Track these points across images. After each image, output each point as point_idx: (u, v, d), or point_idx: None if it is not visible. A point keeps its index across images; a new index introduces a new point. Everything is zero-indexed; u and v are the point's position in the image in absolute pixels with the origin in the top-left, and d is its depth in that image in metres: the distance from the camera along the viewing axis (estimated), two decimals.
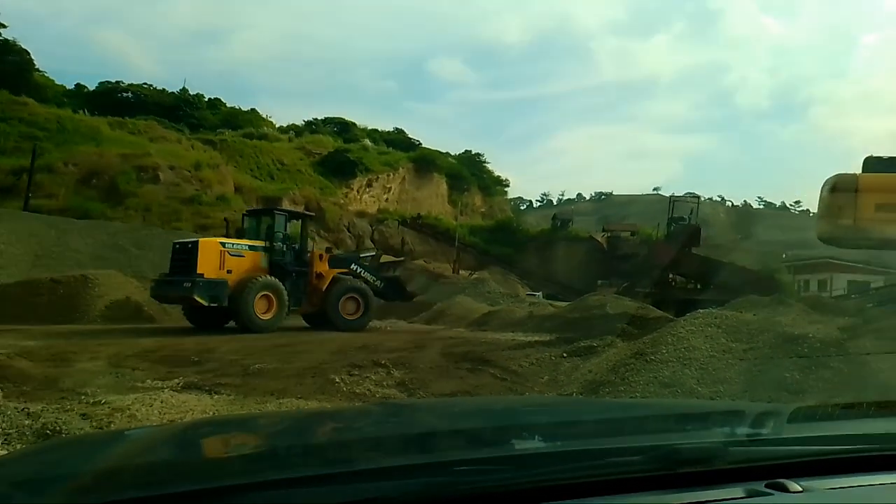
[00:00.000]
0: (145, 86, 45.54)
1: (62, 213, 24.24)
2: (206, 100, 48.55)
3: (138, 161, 29.45)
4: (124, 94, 43.76)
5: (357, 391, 7.66)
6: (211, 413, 6.18)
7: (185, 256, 14.50)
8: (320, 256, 16.23)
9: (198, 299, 13.97)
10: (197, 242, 14.73)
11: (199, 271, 14.00)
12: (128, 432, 2.49)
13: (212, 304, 14.17)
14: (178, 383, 7.54)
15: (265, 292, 14.43)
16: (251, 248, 15.11)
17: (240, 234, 15.98)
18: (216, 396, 7.04)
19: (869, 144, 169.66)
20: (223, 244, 14.82)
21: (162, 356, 9.57)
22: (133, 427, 4.97)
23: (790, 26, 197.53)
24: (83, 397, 6.45)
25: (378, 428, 1.81)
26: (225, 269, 14.33)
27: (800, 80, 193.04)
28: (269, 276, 14.72)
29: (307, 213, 18.93)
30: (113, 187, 27.63)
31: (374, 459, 1.31)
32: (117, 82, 45.09)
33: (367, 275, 16.97)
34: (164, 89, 46.24)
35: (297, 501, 1.04)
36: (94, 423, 5.46)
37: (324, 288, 15.69)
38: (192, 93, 47.31)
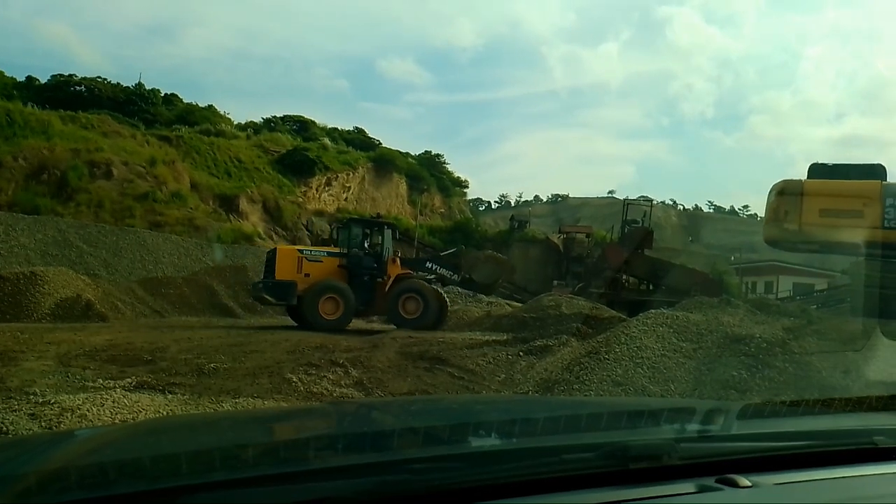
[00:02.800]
0: (99, 80, 44.20)
1: (10, 209, 23.39)
2: (162, 95, 47.35)
3: (90, 156, 28.53)
4: (77, 88, 42.33)
5: (314, 390, 7.59)
6: (164, 413, 6.06)
7: (269, 261, 16.42)
8: (394, 260, 16.47)
9: (267, 298, 15.93)
10: (276, 250, 16.79)
11: (276, 275, 15.68)
12: (77, 432, 2.43)
13: (280, 303, 16.24)
14: (130, 383, 7.35)
15: (329, 294, 15.39)
16: (329, 254, 16.40)
17: (332, 243, 17.45)
18: (169, 396, 6.90)
19: (807, 151, 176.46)
20: (300, 251, 16.71)
21: (113, 355, 9.32)
22: (83, 427, 4.84)
23: (733, 37, 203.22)
24: (31, 397, 6.26)
25: (333, 427, 1.80)
26: (303, 273, 15.65)
27: (742, 90, 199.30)
28: (336, 280, 15.66)
29: (388, 222, 19.03)
30: (63, 183, 26.75)
31: (328, 458, 1.30)
32: (70, 75, 43.69)
33: (443, 271, 17.18)
34: (118, 84, 44.89)
35: (249, 501, 1.03)
36: (42, 424, 5.31)
37: (387, 288, 16.05)
38: (147, 88, 46.22)
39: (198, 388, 7.39)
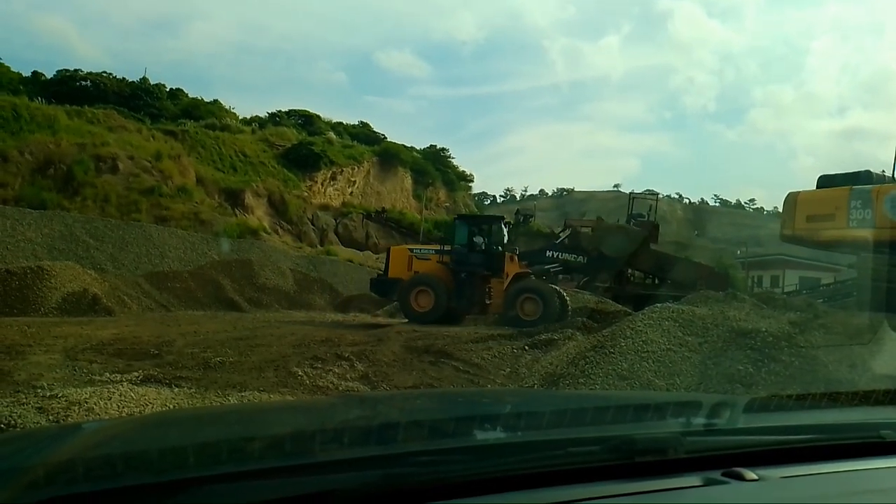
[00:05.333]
0: (104, 74, 44.14)
1: (16, 204, 23.44)
2: (168, 90, 47.34)
3: (96, 151, 28.56)
4: (83, 83, 42.29)
5: (320, 384, 7.61)
6: (170, 406, 6.08)
7: (385, 260, 17.37)
8: (511, 258, 16.09)
9: (374, 294, 18.17)
10: (390, 249, 17.80)
11: (389, 273, 16.57)
12: (84, 425, 2.44)
13: (386, 299, 18.12)
14: (137, 376, 7.38)
15: (421, 287, 15.65)
16: (437, 251, 16.68)
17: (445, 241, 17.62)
18: (176, 390, 6.93)
19: (809, 145, 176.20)
20: (411, 249, 17.21)
21: (119, 349, 9.36)
22: (90, 420, 4.87)
23: (735, 30, 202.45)
24: (38, 391, 6.30)
25: (339, 420, 1.80)
26: (412, 271, 16.10)
27: (744, 83, 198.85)
28: (438, 275, 15.80)
29: (499, 217, 18.71)
30: (69, 177, 26.80)
31: (334, 451, 1.30)
32: (75, 70, 43.60)
33: (566, 256, 16.70)
34: (123, 78, 44.84)
35: (256, 494, 1.03)
36: (50, 417, 5.35)
37: (504, 287, 15.70)
38: (152, 83, 46.21)
39: (204, 381, 7.41)
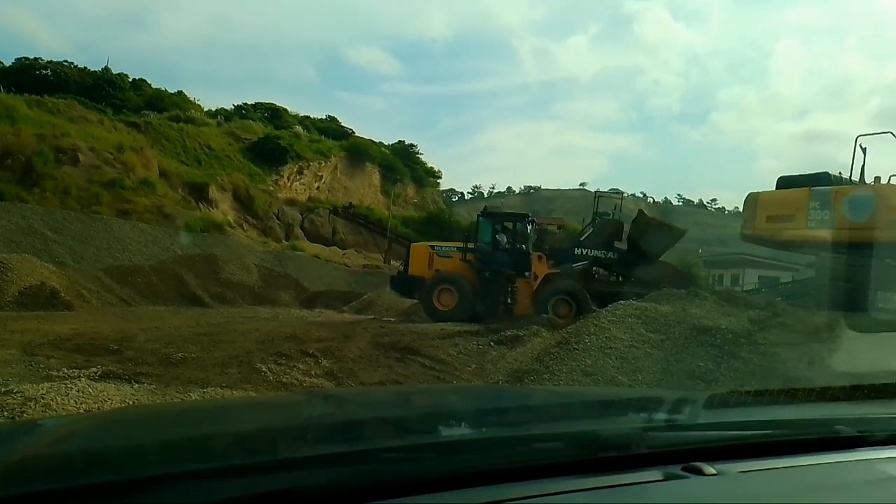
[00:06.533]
0: (66, 64, 43.13)
1: None
2: (131, 80, 46.33)
3: (56, 142, 27.89)
4: (43, 72, 41.25)
5: (284, 381, 7.53)
6: (130, 403, 5.97)
7: (406, 257, 17.05)
8: (539, 257, 15.77)
9: (394, 291, 17.80)
10: (410, 246, 17.59)
11: (410, 270, 16.30)
12: (41, 422, 2.38)
13: (407, 297, 17.39)
14: (96, 372, 7.21)
15: (444, 286, 15.38)
16: (459, 249, 16.14)
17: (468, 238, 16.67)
18: (136, 386, 6.79)
19: (772, 146, 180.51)
20: (432, 247, 16.74)
21: (78, 344, 9.15)
22: (47, 417, 4.76)
23: (700, 33, 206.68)
24: None
25: (304, 417, 1.79)
26: (433, 269, 15.81)
27: (709, 85, 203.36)
28: (456, 274, 15.50)
29: (525, 214, 17.96)
30: (29, 168, 26.11)
31: (299, 448, 1.29)
32: (35, 59, 42.50)
33: (595, 252, 16.04)
34: (85, 68, 43.81)
35: (218, 492, 1.02)
36: (5, 413, 5.20)
37: (534, 289, 15.34)
38: (115, 73, 45.20)
39: (165, 377, 7.29)
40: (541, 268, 15.53)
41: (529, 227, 16.55)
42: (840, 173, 14.20)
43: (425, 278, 15.68)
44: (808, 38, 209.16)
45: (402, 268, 17.38)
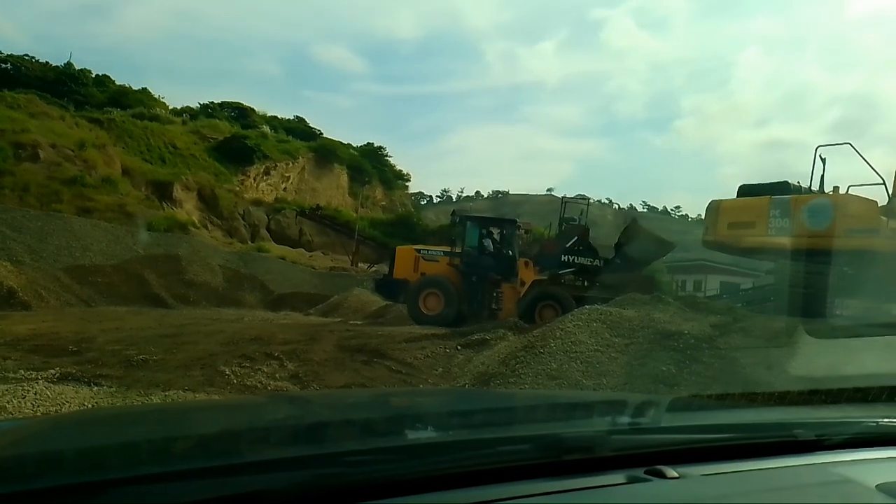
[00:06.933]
0: (26, 58, 42.07)
1: None
2: (94, 76, 45.33)
3: (16, 137, 27.12)
4: (2, 66, 40.22)
5: (248, 383, 7.45)
6: (89, 405, 5.86)
7: (391, 260, 16.94)
8: (526, 263, 15.72)
9: (378, 295, 17.82)
10: (395, 249, 17.35)
11: (395, 273, 16.11)
12: None
13: (392, 301, 16.79)
14: (54, 374, 7.07)
15: (430, 289, 15.25)
16: (446, 253, 16.11)
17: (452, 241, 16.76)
18: (96, 388, 6.68)
19: (733, 153, 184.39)
20: (418, 250, 16.64)
21: (36, 345, 8.94)
22: (2, 420, 4.63)
23: (664, 41, 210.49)
24: None
25: (268, 419, 1.77)
26: (419, 272, 15.68)
27: (673, 92, 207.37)
28: (441, 277, 15.39)
29: (510, 220, 18.10)
30: None
31: (262, 451, 1.27)
32: None
33: (582, 260, 15.90)
34: (47, 62, 42.72)
35: (180, 495, 1.00)
36: None
37: (522, 294, 15.26)
38: (78, 68, 44.19)
39: (126, 380, 7.16)
40: (528, 274, 15.65)
41: (515, 232, 16.69)
42: (799, 182, 14.49)
43: (410, 281, 15.60)
44: (769, 49, 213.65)
45: (370, 269, 17.36)
